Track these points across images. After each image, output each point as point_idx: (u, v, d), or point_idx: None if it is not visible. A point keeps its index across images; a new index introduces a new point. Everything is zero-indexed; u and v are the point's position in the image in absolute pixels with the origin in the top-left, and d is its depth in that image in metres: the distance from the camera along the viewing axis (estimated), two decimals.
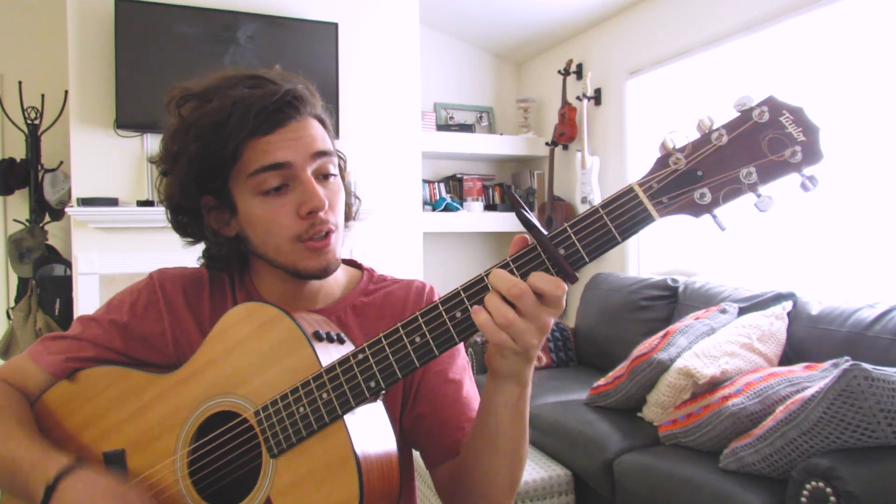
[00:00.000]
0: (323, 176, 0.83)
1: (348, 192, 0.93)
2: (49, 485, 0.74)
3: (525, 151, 4.20)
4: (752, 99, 0.58)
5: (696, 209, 0.59)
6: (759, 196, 0.57)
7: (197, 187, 0.82)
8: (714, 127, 0.59)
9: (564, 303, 0.63)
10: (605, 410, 2.48)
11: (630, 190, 0.60)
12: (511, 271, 0.63)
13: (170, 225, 0.89)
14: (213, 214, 0.85)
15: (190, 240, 0.89)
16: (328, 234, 0.81)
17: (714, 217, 0.59)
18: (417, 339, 0.66)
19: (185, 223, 0.87)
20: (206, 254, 0.91)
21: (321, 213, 0.79)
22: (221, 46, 3.10)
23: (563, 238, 0.61)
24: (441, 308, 0.65)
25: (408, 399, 0.88)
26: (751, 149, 0.57)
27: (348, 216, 0.93)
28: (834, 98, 2.48)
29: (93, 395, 0.86)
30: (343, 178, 0.93)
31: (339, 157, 0.93)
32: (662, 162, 0.60)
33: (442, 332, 0.65)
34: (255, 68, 0.84)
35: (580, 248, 0.61)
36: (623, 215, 0.60)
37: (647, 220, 0.59)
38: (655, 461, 2.03)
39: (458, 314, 0.64)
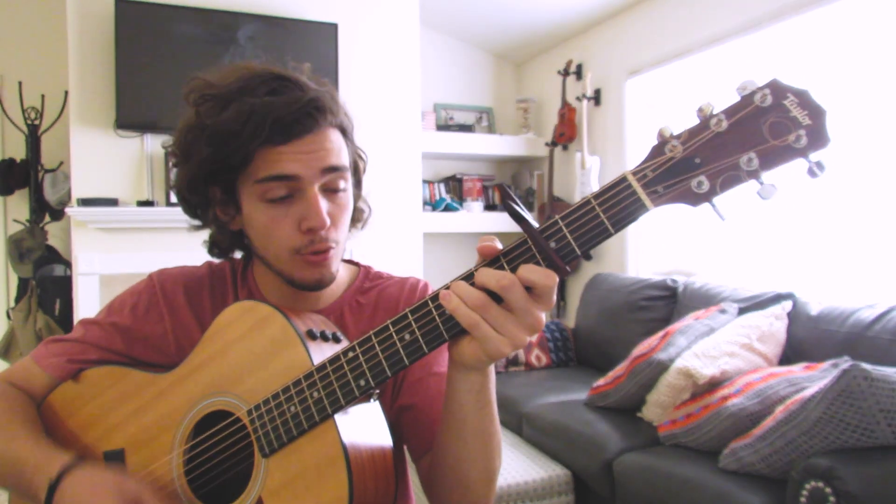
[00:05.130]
0: (332, 191, 0.82)
1: (359, 198, 0.93)
2: (52, 482, 0.74)
3: (525, 152, 4.20)
4: (755, 83, 0.56)
5: (694, 198, 0.56)
6: (761, 183, 0.55)
7: (205, 184, 0.83)
8: (714, 112, 0.56)
9: (555, 297, 0.60)
10: (605, 410, 2.48)
11: (623, 179, 0.57)
12: (501, 266, 0.61)
13: (183, 213, 0.89)
14: (220, 207, 0.85)
15: (197, 224, 0.90)
16: (327, 250, 0.81)
17: (713, 206, 0.56)
18: (407, 337, 0.64)
19: (195, 207, 0.88)
20: (210, 239, 0.91)
21: (322, 232, 0.79)
22: (221, 46, 3.10)
23: (555, 231, 0.59)
24: (431, 305, 0.64)
25: (394, 391, 0.88)
26: (752, 134, 0.55)
27: (356, 222, 0.93)
28: (834, 98, 2.48)
29: (95, 395, 0.86)
30: (360, 180, 0.92)
31: (360, 158, 0.93)
32: (658, 150, 0.57)
33: (431, 328, 0.64)
34: (283, 66, 0.82)
35: (571, 241, 0.59)
36: (616, 206, 0.57)
37: (640, 210, 0.57)
38: (655, 461, 2.02)
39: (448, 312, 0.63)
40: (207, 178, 0.82)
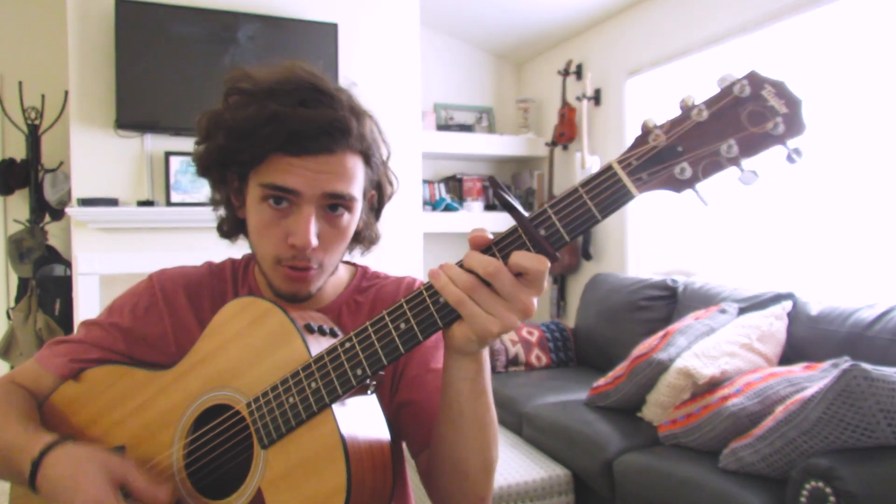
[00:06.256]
0: (332, 214, 0.81)
1: (372, 225, 0.93)
2: (34, 460, 0.75)
3: (525, 152, 4.20)
4: (734, 75, 0.58)
5: (677, 184, 0.58)
6: (742, 170, 0.57)
7: (219, 169, 0.84)
8: (695, 103, 0.59)
9: (546, 283, 0.62)
10: (605, 410, 2.48)
11: (609, 168, 0.60)
12: (493, 254, 0.63)
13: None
14: (234, 192, 0.87)
15: (217, 199, 0.91)
16: (307, 269, 0.81)
17: (696, 192, 0.59)
18: (402, 326, 0.66)
19: (215, 184, 0.89)
20: (221, 218, 0.93)
21: (307, 251, 0.79)
22: (221, 46, 3.10)
23: (544, 219, 0.61)
24: (425, 294, 0.65)
25: (392, 388, 0.89)
26: (731, 123, 0.57)
27: (365, 243, 0.94)
28: (834, 98, 2.48)
29: (97, 394, 0.87)
30: (381, 207, 0.93)
31: (389, 184, 0.93)
32: (642, 139, 0.60)
33: (426, 317, 0.65)
34: (325, 78, 0.81)
35: (560, 228, 0.61)
36: (602, 193, 0.59)
37: (626, 196, 0.59)
38: (655, 461, 2.02)
39: (442, 299, 0.64)
40: (221, 166, 0.84)
